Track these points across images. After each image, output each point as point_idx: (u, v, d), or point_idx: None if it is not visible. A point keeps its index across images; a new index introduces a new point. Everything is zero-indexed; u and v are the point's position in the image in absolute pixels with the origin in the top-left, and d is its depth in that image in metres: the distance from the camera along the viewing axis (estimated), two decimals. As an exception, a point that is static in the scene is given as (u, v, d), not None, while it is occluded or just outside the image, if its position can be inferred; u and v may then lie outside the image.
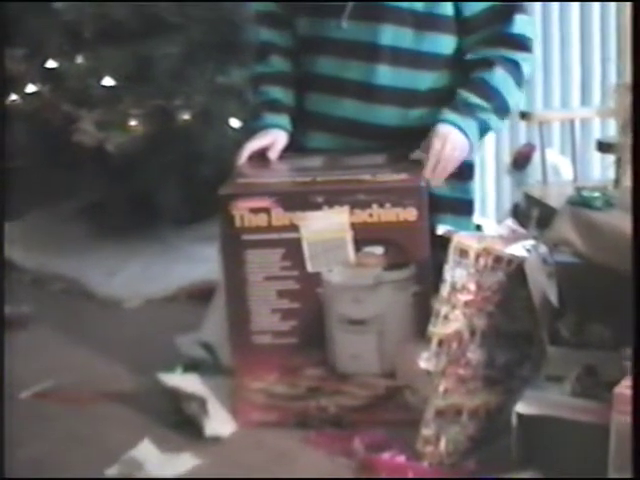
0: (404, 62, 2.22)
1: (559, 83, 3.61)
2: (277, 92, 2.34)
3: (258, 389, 2.15)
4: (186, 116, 3.21)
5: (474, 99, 2.20)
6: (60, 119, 3.27)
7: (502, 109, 2.23)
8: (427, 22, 2.21)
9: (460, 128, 2.18)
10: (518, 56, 2.22)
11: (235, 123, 3.22)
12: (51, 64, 3.32)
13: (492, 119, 2.22)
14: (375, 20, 2.21)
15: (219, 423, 2.15)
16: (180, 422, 2.19)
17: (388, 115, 2.24)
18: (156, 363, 2.39)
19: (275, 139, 2.30)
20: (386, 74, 2.23)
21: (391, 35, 2.21)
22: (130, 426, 2.22)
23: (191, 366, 2.35)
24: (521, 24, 2.23)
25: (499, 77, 2.21)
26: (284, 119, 2.33)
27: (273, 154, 2.29)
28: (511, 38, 2.22)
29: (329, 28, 2.25)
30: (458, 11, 2.22)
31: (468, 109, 2.19)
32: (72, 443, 2.17)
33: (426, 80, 2.24)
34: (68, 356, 2.63)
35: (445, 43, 2.24)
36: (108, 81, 3.26)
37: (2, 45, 3.21)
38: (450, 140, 2.17)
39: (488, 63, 2.21)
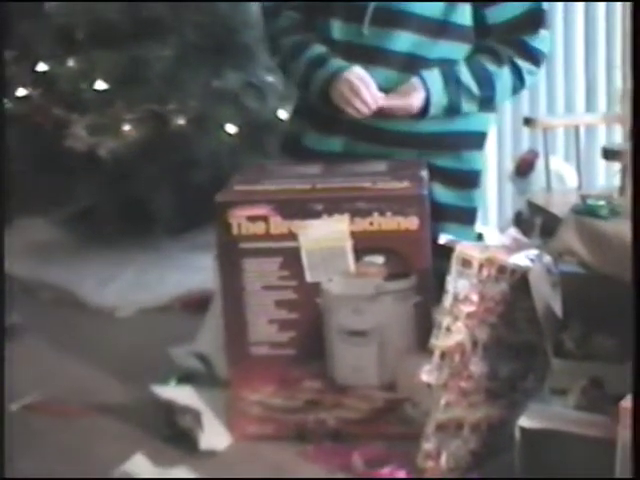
0: (412, 66, 2.24)
1: (563, 88, 3.62)
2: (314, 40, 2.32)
3: (255, 401, 2.16)
4: (180, 121, 3.22)
5: (468, 80, 2.24)
6: (51, 124, 3.27)
7: (486, 103, 2.28)
8: (443, 30, 2.23)
9: (425, 84, 2.21)
10: (527, 67, 2.27)
11: (231, 128, 3.23)
12: (42, 67, 3.32)
13: (469, 105, 2.26)
14: (391, 26, 2.23)
15: (214, 436, 2.16)
16: (174, 435, 2.19)
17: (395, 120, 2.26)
18: (149, 374, 2.39)
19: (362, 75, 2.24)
20: (393, 78, 2.25)
21: (405, 42, 2.23)
22: (122, 439, 2.22)
23: (185, 378, 2.36)
24: (542, 40, 2.28)
25: (504, 77, 2.25)
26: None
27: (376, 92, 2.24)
28: (529, 50, 2.26)
29: (350, 32, 2.27)
30: (479, 19, 2.25)
31: (454, 82, 2.23)
32: (61, 457, 2.17)
33: None
34: (58, 367, 2.63)
35: (459, 50, 2.27)
36: (100, 85, 3.27)
37: (2, 44, 3.21)
38: (410, 97, 2.21)
39: (499, 58, 2.25)
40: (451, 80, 2.23)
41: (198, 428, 2.16)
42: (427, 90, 2.22)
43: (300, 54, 2.31)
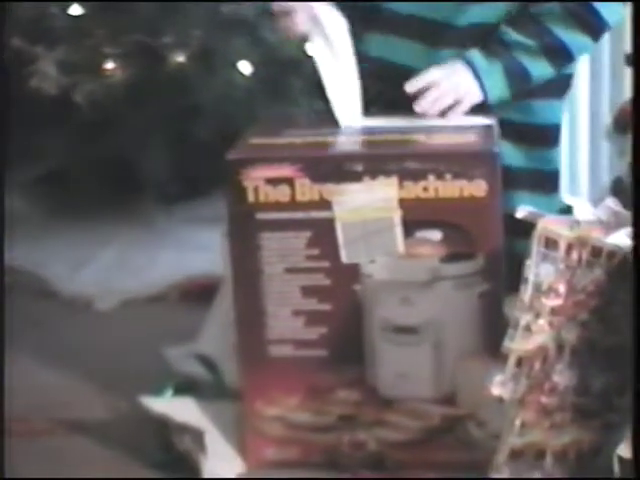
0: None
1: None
2: None
3: (274, 417, 2.18)
4: (179, 57, 3.23)
5: (512, 35, 2.25)
6: (11, 59, 3.29)
7: (555, 50, 2.27)
8: None
9: (473, 67, 2.24)
10: None
11: (245, 67, 3.24)
12: (-4, -16, 3.35)
13: (538, 63, 2.26)
14: None
15: (221, 462, 2.19)
16: (170, 461, 2.23)
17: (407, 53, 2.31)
18: (138, 383, 2.42)
19: None
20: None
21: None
22: (103, 466, 2.26)
23: (185, 387, 2.39)
24: None
25: (551, 11, 2.24)
26: None
27: None
28: None
29: None
30: None
31: (500, 47, 2.25)
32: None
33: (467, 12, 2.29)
34: (21, 373, 2.66)
35: None
36: (75, 9, 3.29)
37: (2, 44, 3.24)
38: (454, 75, 2.25)
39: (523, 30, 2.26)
40: (494, 46, 2.25)
41: (200, 451, 2.19)
42: (473, 71, 2.26)
43: None
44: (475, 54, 2.26)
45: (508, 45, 2.25)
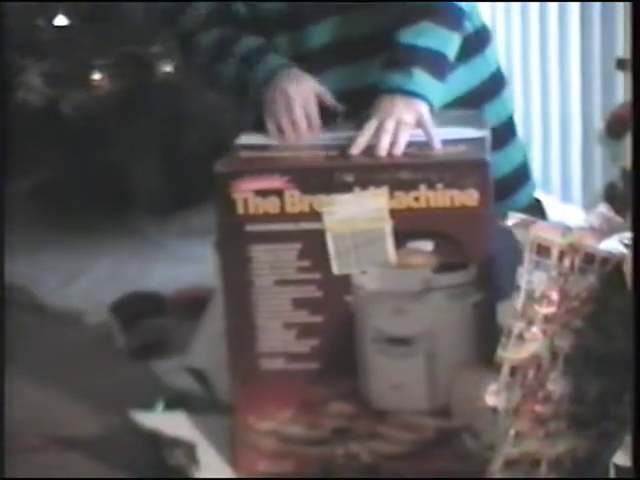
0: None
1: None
2: None
3: (267, 431, 2.18)
4: (167, 67, 3.24)
5: (405, 35, 2.26)
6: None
7: (444, 17, 2.28)
8: None
9: (399, 89, 2.22)
10: None
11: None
12: (-16, -3, 3.35)
13: (443, 39, 2.27)
14: None
15: (214, 476, 2.18)
16: (162, 475, 2.22)
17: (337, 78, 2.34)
18: (129, 397, 2.43)
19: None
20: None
21: None
22: (95, 481, 2.26)
23: (176, 401, 2.39)
24: None
25: (421, 32, 2.26)
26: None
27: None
28: None
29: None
30: None
31: (406, 53, 2.24)
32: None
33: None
34: (11, 389, 2.65)
35: None
36: (61, 20, 3.29)
37: (2, 43, 3.24)
38: (391, 110, 2.21)
39: (407, 18, 2.27)
40: (400, 55, 2.25)
41: (193, 465, 2.19)
42: (401, 92, 2.24)
43: (228, 51, 2.39)
44: (390, 77, 2.23)
45: (410, 45, 2.25)
